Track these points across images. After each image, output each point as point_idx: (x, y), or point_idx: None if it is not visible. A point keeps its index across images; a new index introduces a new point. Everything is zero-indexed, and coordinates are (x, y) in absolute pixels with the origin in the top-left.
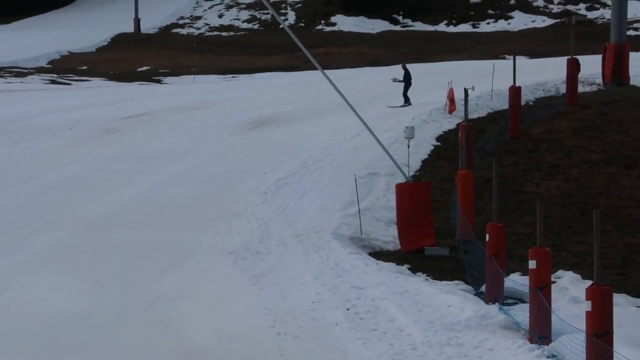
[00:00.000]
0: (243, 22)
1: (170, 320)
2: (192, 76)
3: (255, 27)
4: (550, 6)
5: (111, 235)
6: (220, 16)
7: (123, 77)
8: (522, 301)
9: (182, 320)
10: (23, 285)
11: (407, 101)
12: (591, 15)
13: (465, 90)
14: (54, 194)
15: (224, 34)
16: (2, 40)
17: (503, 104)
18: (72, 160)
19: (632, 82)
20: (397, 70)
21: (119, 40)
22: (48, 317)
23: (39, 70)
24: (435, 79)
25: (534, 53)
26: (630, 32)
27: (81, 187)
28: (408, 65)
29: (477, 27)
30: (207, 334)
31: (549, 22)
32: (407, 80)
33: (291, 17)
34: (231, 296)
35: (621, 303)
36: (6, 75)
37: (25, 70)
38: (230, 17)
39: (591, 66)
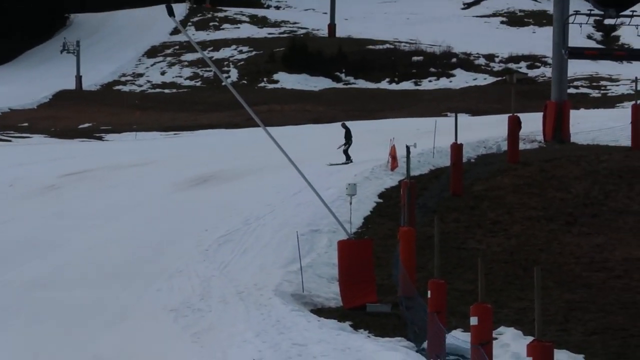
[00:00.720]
0: (185, 79)
1: None
2: (134, 133)
3: (198, 84)
4: (492, 64)
5: (49, 295)
6: (163, 73)
7: (64, 134)
8: (464, 358)
9: None
10: None
11: (348, 159)
12: (532, 73)
13: (408, 148)
14: None
15: (166, 91)
16: None
17: (445, 161)
18: (11, 218)
19: (573, 139)
20: (339, 129)
21: (61, 97)
22: None
23: None
24: (378, 136)
25: (475, 110)
26: (571, 90)
27: (20, 246)
28: (348, 123)
29: (419, 85)
30: None
31: (490, 80)
32: (347, 138)
33: (234, 74)
34: (172, 355)
35: (562, 359)
36: None
37: None
38: (173, 75)
39: (532, 123)
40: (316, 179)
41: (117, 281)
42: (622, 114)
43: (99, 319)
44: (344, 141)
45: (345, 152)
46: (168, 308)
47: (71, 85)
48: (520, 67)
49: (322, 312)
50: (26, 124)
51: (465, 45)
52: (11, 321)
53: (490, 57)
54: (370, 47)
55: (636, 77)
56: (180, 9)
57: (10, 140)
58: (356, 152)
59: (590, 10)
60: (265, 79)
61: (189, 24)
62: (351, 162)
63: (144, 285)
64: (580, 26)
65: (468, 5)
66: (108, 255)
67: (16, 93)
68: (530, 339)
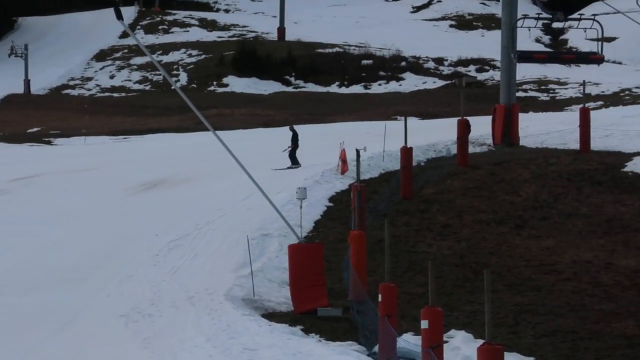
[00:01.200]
0: (135, 83)
1: None
2: (83, 137)
3: (147, 88)
4: (441, 68)
5: None
6: (112, 77)
7: (12, 138)
8: None
9: None
10: None
11: (294, 163)
12: (481, 76)
13: (357, 151)
14: None
15: (115, 95)
16: None
17: (395, 164)
18: None
19: (522, 142)
20: (289, 132)
21: (9, 101)
22: None
23: None
24: (328, 140)
25: (425, 114)
26: (520, 94)
27: None
28: (297, 127)
29: (369, 89)
30: None
31: (439, 83)
32: (294, 142)
33: (183, 78)
34: None
35: None
36: None
37: None
38: (122, 78)
39: (481, 127)
40: (266, 183)
41: (67, 286)
42: (571, 117)
43: (49, 325)
44: (289, 144)
45: (292, 156)
46: (118, 313)
47: (19, 89)
48: (470, 71)
49: (273, 316)
50: None
51: (414, 49)
52: None
53: (439, 61)
54: (320, 50)
55: (584, 81)
56: (129, 12)
57: None
58: (306, 156)
59: (539, 14)
60: (214, 83)
61: (138, 27)
62: (299, 166)
63: (94, 290)
64: (529, 30)
65: (417, 9)
66: (57, 260)
67: None
68: (480, 341)
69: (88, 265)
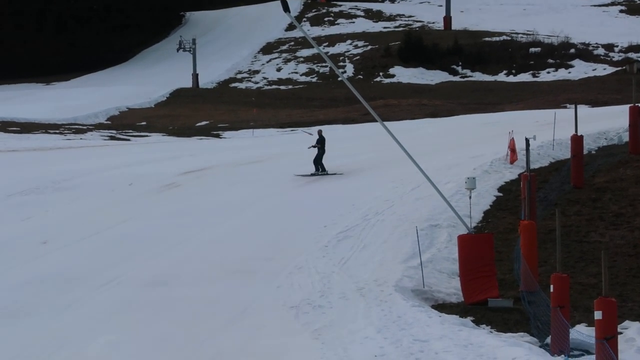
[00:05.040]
0: (301, 75)
1: None
2: (251, 130)
3: (314, 80)
4: (611, 54)
5: (170, 291)
6: (279, 70)
7: (182, 132)
8: (588, 353)
9: None
10: (83, 343)
11: (320, 169)
12: None
13: (527, 140)
14: (113, 250)
15: (282, 87)
16: (62, 98)
17: (565, 153)
18: (130, 217)
19: None
20: (456, 122)
21: (178, 95)
22: None
23: (98, 127)
24: (496, 129)
25: (595, 102)
26: None
27: (140, 243)
28: (465, 117)
29: (537, 77)
30: None
31: (609, 70)
32: (321, 146)
33: (349, 69)
34: (293, 351)
35: None
36: (65, 132)
37: (85, 127)
38: (289, 71)
39: None
40: (435, 174)
41: (237, 278)
42: None
43: (220, 316)
44: (315, 144)
45: (318, 161)
46: (288, 305)
47: (188, 83)
48: None
49: (443, 307)
50: (144, 123)
51: (583, 36)
52: (133, 318)
53: (609, 47)
54: (487, 39)
55: None
56: (295, 5)
57: (129, 139)
58: (474, 146)
59: None
60: (381, 74)
61: (304, 19)
62: (326, 172)
63: (264, 282)
64: None
65: None
66: (227, 253)
67: (133, 92)
68: None
69: (258, 257)
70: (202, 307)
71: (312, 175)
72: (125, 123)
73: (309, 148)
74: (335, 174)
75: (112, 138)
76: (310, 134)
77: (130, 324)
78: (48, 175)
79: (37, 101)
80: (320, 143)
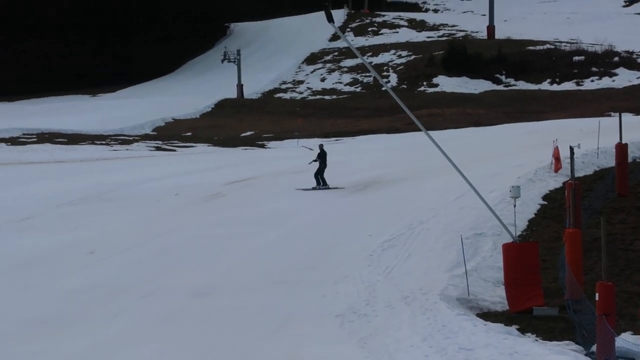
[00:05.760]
0: (345, 85)
1: None
2: (296, 140)
3: (358, 90)
4: None
5: (215, 301)
6: (323, 80)
7: (227, 142)
8: None
9: None
10: (129, 353)
11: (322, 183)
12: None
13: (571, 148)
14: (159, 260)
15: (326, 97)
16: (108, 109)
17: (609, 161)
18: (177, 227)
19: None
20: (500, 132)
21: (222, 105)
22: None
23: (144, 138)
24: (540, 137)
25: (639, 110)
26: None
27: (186, 252)
28: (508, 125)
29: (581, 85)
30: None
31: None
32: (322, 160)
33: (393, 79)
34: None
35: None
36: (112, 142)
37: (131, 138)
38: (333, 81)
39: None
40: (479, 182)
41: (282, 287)
42: None
43: (264, 325)
44: (316, 159)
45: (319, 175)
46: (334, 313)
47: (232, 94)
48: None
49: (488, 316)
50: (189, 134)
51: (627, 44)
52: (177, 328)
53: None
54: (530, 48)
55: None
56: (339, 15)
57: (174, 150)
58: (518, 154)
59: None
60: (424, 83)
61: (348, 29)
62: (327, 187)
63: (309, 290)
64: None
65: (629, 3)
66: (272, 262)
67: (179, 103)
68: None
69: (303, 266)
70: (246, 316)
71: (312, 189)
72: (170, 134)
73: (309, 163)
74: (336, 188)
75: (158, 149)
76: (311, 150)
77: (175, 334)
78: (95, 186)
79: (83, 113)
80: (321, 157)
